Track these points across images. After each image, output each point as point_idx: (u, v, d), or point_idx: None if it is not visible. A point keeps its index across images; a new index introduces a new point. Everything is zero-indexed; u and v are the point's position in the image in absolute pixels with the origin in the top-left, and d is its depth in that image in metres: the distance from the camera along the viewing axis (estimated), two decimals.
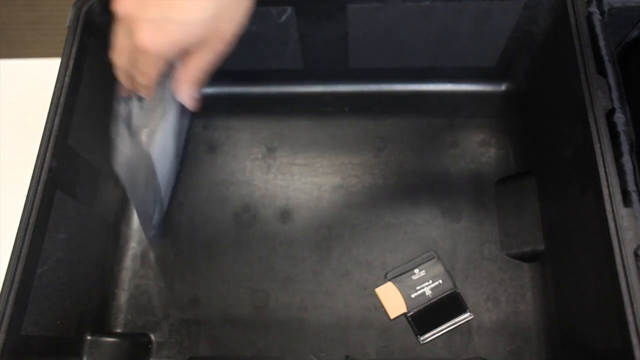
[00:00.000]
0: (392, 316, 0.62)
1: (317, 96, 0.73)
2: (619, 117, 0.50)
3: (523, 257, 0.63)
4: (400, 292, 0.62)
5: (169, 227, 0.67)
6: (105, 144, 0.64)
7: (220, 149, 0.71)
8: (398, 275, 0.63)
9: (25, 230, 0.50)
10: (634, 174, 0.48)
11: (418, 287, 0.62)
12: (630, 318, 0.43)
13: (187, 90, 0.42)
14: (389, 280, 0.63)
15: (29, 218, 0.50)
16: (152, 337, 0.63)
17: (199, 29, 0.37)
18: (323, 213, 0.67)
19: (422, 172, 0.68)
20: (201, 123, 0.73)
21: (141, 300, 0.64)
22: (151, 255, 0.66)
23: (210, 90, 0.74)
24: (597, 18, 0.54)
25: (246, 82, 0.74)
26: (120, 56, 0.43)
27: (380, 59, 0.68)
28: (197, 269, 0.65)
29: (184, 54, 0.39)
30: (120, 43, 0.41)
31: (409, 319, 0.61)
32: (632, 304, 0.43)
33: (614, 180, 0.47)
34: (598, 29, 0.54)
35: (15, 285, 0.48)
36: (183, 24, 0.36)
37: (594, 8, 0.55)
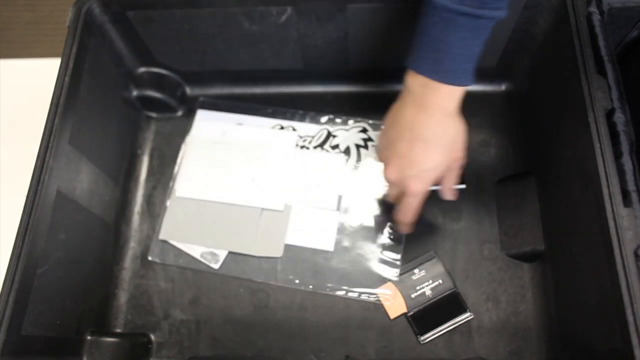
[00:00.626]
0: (392, 316, 0.62)
1: (317, 96, 0.73)
2: (619, 117, 0.50)
3: (523, 257, 0.63)
4: (400, 292, 0.62)
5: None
6: (105, 143, 0.64)
7: None
8: (398, 275, 0.63)
9: (25, 230, 0.50)
10: (634, 174, 0.48)
11: (418, 287, 0.62)
12: (630, 318, 0.43)
13: (450, 193, 0.58)
14: (389, 280, 0.63)
15: (29, 218, 0.50)
16: (152, 337, 0.63)
17: (442, 166, 0.52)
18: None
19: None
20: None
21: (141, 300, 0.64)
22: (149, 255, 0.66)
23: (210, 90, 0.75)
24: (596, 18, 0.54)
25: (246, 82, 0.74)
26: (391, 198, 0.59)
27: (380, 59, 0.68)
28: (197, 269, 0.65)
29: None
30: (392, 193, 0.58)
31: (409, 318, 0.61)
32: (632, 304, 0.43)
33: (614, 180, 0.47)
34: (598, 29, 0.54)
35: (15, 285, 0.48)
36: (432, 169, 0.52)
37: (593, 8, 0.55)
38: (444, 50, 0.46)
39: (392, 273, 0.63)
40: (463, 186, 0.65)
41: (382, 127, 0.55)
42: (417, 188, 0.53)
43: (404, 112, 0.51)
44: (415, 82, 0.49)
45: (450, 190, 0.58)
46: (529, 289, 0.62)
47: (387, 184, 0.56)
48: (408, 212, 0.56)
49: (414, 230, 0.61)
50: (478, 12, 0.44)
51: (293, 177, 0.68)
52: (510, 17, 0.61)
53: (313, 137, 0.71)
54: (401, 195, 0.56)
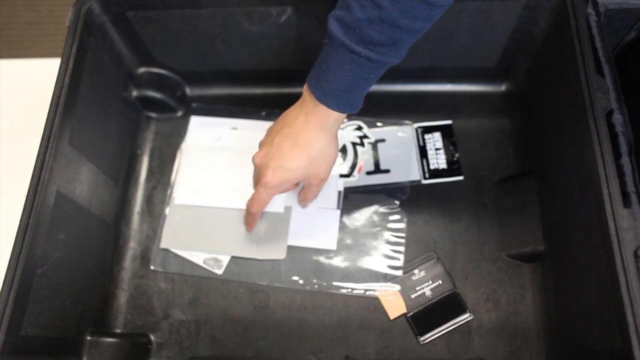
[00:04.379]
0: (392, 316, 0.62)
1: None
2: (617, 118, 0.50)
3: (523, 258, 0.63)
4: (400, 292, 0.62)
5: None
6: (104, 143, 0.64)
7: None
8: (398, 275, 0.63)
9: (25, 230, 0.50)
10: (633, 175, 0.48)
11: (418, 288, 0.62)
12: (630, 319, 0.43)
13: (304, 205, 0.65)
14: (389, 280, 0.63)
15: (29, 218, 0.50)
16: (152, 337, 0.63)
17: (299, 172, 0.55)
18: None
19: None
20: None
21: (141, 300, 0.64)
22: (151, 264, 0.66)
23: (210, 90, 0.75)
24: (593, 19, 0.54)
25: (246, 82, 0.74)
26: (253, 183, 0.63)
27: None
28: (201, 276, 0.65)
29: (292, 187, 0.60)
30: (254, 177, 0.62)
31: (409, 319, 0.61)
32: (632, 304, 0.43)
33: (614, 181, 0.47)
34: (594, 30, 0.54)
35: (15, 285, 0.48)
36: (290, 169, 0.55)
37: (590, 9, 0.55)
38: (327, 75, 0.49)
39: (396, 266, 0.63)
40: (461, 177, 0.66)
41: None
42: (269, 179, 0.55)
43: (292, 112, 0.55)
44: (307, 91, 0.52)
45: (304, 203, 0.64)
46: (529, 290, 0.62)
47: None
48: (254, 202, 0.59)
49: (252, 227, 0.64)
50: (362, 51, 0.46)
51: None
52: (510, 17, 0.61)
53: None
54: (256, 183, 0.60)
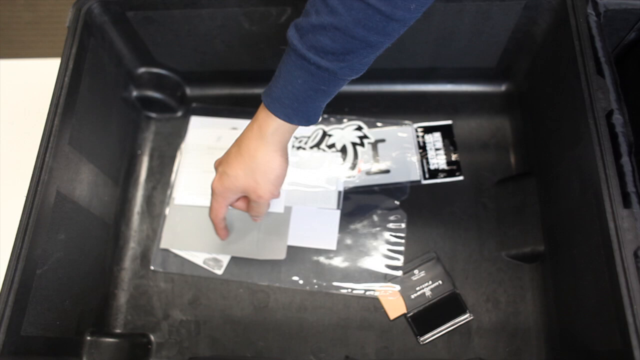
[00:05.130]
0: (391, 317, 0.62)
1: None
2: (617, 118, 0.50)
3: (523, 258, 0.63)
4: (400, 292, 0.62)
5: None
6: (104, 144, 0.64)
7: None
8: (398, 275, 0.63)
9: (25, 230, 0.50)
10: (633, 175, 0.48)
11: (418, 288, 0.62)
12: (630, 319, 0.43)
13: (254, 219, 0.60)
14: (389, 280, 0.63)
15: (29, 218, 0.50)
16: (152, 337, 0.63)
17: (239, 182, 0.53)
18: None
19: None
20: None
21: (141, 301, 0.64)
22: (151, 265, 0.66)
23: (210, 90, 0.75)
24: (592, 20, 0.54)
25: (246, 82, 0.74)
26: None
27: (381, 59, 0.68)
28: (201, 276, 0.65)
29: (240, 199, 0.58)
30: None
31: (409, 319, 0.61)
32: (632, 305, 0.43)
33: (614, 181, 0.47)
34: (594, 31, 0.54)
35: (15, 285, 0.48)
36: (230, 176, 0.53)
37: (590, 10, 0.55)
38: (278, 81, 0.47)
39: (396, 266, 0.63)
40: (461, 177, 0.67)
41: None
42: (215, 184, 0.55)
43: (250, 122, 0.53)
44: (262, 111, 0.51)
45: (252, 216, 0.59)
46: (529, 290, 0.62)
47: None
48: (210, 209, 0.58)
49: (223, 236, 0.62)
50: (312, 57, 0.44)
51: (291, 179, 0.68)
52: (510, 17, 0.61)
53: (309, 137, 0.71)
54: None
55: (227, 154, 0.54)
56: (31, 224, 0.50)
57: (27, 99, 0.74)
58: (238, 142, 0.53)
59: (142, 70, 0.71)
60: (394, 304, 0.62)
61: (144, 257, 0.66)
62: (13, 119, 0.74)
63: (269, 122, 0.50)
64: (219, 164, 0.55)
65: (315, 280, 0.64)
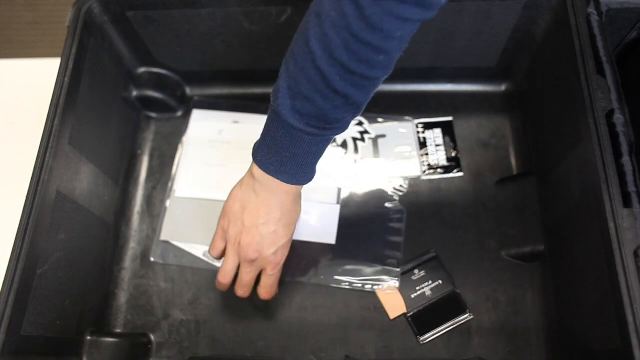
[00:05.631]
0: (392, 316, 0.62)
1: None
2: (618, 118, 0.50)
3: (523, 257, 0.63)
4: (400, 292, 0.62)
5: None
6: (104, 143, 0.64)
7: None
8: (397, 270, 0.63)
9: (25, 230, 0.50)
10: (634, 175, 0.48)
11: (418, 288, 0.62)
12: (630, 319, 0.43)
13: (262, 293, 0.59)
14: (388, 274, 0.63)
15: (29, 218, 0.50)
16: (152, 337, 0.63)
17: (259, 246, 0.54)
18: None
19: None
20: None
21: (141, 300, 0.64)
22: (151, 256, 0.66)
23: (210, 90, 0.75)
24: (594, 19, 0.54)
25: (246, 82, 0.74)
26: None
27: None
28: (197, 269, 0.65)
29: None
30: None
31: (409, 319, 0.61)
32: (632, 304, 0.43)
33: (614, 181, 0.47)
34: (596, 30, 0.54)
35: (15, 285, 0.48)
36: (250, 243, 0.54)
37: (591, 9, 0.55)
38: (288, 157, 0.49)
39: (395, 261, 0.63)
40: (461, 174, 0.65)
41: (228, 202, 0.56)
42: (230, 248, 0.56)
43: (251, 195, 0.53)
44: (261, 175, 0.51)
45: (263, 291, 0.58)
46: (529, 290, 0.62)
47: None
48: (221, 270, 0.57)
49: (245, 293, 0.58)
50: (321, 132, 0.46)
51: None
52: (510, 17, 0.61)
53: None
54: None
55: (242, 218, 0.54)
56: (31, 223, 0.50)
57: (27, 99, 0.74)
58: (251, 210, 0.53)
59: (142, 70, 0.71)
60: (394, 304, 0.62)
61: (144, 257, 0.66)
62: (13, 119, 0.74)
63: (289, 191, 0.52)
64: (230, 228, 0.55)
65: (314, 275, 0.64)
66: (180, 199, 0.68)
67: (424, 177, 0.68)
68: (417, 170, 0.68)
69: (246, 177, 0.54)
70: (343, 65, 0.41)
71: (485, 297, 0.62)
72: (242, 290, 0.57)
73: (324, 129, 0.46)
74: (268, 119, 0.49)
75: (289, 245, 0.57)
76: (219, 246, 0.57)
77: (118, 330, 0.63)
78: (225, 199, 0.67)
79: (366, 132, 0.71)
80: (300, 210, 0.56)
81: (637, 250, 0.45)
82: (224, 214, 0.57)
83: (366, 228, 0.66)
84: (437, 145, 0.70)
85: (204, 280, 0.65)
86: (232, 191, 0.56)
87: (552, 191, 0.60)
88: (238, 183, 0.56)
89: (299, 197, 0.54)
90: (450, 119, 0.71)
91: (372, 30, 0.39)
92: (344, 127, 0.47)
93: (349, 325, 0.62)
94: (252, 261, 0.55)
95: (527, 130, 0.68)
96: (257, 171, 0.51)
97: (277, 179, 0.50)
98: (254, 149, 0.52)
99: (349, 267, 0.64)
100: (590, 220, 0.50)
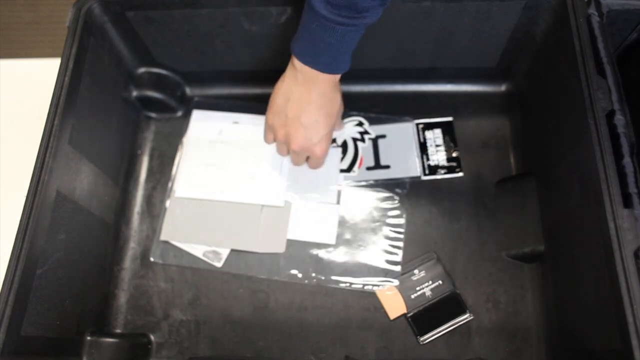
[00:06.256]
0: (391, 317, 0.62)
1: None
2: (619, 119, 0.50)
3: (523, 258, 0.63)
4: (400, 292, 0.62)
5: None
6: (104, 143, 0.64)
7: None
8: (397, 270, 0.63)
9: (25, 230, 0.50)
10: (635, 176, 0.48)
11: (418, 288, 0.62)
12: (630, 319, 0.43)
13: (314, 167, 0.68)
14: (387, 275, 0.63)
15: (29, 218, 0.50)
16: (152, 337, 0.63)
17: (325, 129, 0.61)
18: None
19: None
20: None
21: (141, 301, 0.64)
22: (151, 256, 0.66)
23: (210, 90, 0.75)
24: (595, 20, 0.54)
25: (246, 82, 0.74)
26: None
27: (381, 59, 0.68)
28: (197, 269, 0.65)
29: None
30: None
31: (409, 319, 0.61)
32: (632, 305, 0.43)
33: (614, 181, 0.47)
34: (597, 31, 0.54)
35: (15, 285, 0.48)
36: (317, 133, 0.61)
37: (592, 10, 0.55)
38: (322, 48, 0.52)
39: (395, 261, 0.63)
40: (461, 174, 0.67)
41: (273, 97, 0.62)
42: (278, 139, 0.63)
43: (293, 87, 0.58)
44: (301, 66, 0.55)
45: (312, 165, 0.67)
46: (529, 290, 0.62)
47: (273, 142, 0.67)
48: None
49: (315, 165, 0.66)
50: (352, 21, 0.49)
51: (292, 173, 0.68)
52: (510, 18, 0.61)
53: None
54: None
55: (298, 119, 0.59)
56: (31, 224, 0.50)
57: (27, 99, 0.74)
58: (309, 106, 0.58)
59: (142, 70, 0.71)
60: (394, 304, 0.62)
61: (144, 257, 0.66)
62: (13, 119, 0.74)
63: (329, 80, 0.56)
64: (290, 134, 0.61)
65: (314, 274, 0.64)
66: (180, 199, 0.68)
67: (424, 177, 0.68)
68: (417, 171, 0.68)
69: (288, 69, 0.58)
70: None
71: (485, 297, 0.62)
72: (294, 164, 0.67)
73: (355, 17, 0.48)
74: (303, 13, 0.52)
75: (330, 137, 0.62)
76: (270, 138, 0.67)
77: (118, 331, 0.63)
78: (225, 199, 0.68)
79: (366, 132, 0.71)
80: (340, 101, 0.61)
81: (637, 251, 0.45)
82: (269, 108, 0.63)
83: (366, 228, 0.66)
84: (437, 146, 0.70)
85: (204, 280, 0.65)
86: (276, 85, 0.61)
87: (552, 191, 0.60)
88: (281, 77, 0.60)
89: (337, 86, 0.59)
90: (450, 119, 0.71)
91: None
92: (374, 16, 0.49)
93: (349, 326, 0.62)
94: (298, 152, 0.62)
95: (527, 130, 0.68)
96: (297, 62, 0.55)
97: (314, 68, 0.54)
98: (292, 42, 0.55)
99: (348, 267, 0.64)
100: (590, 221, 0.50)
